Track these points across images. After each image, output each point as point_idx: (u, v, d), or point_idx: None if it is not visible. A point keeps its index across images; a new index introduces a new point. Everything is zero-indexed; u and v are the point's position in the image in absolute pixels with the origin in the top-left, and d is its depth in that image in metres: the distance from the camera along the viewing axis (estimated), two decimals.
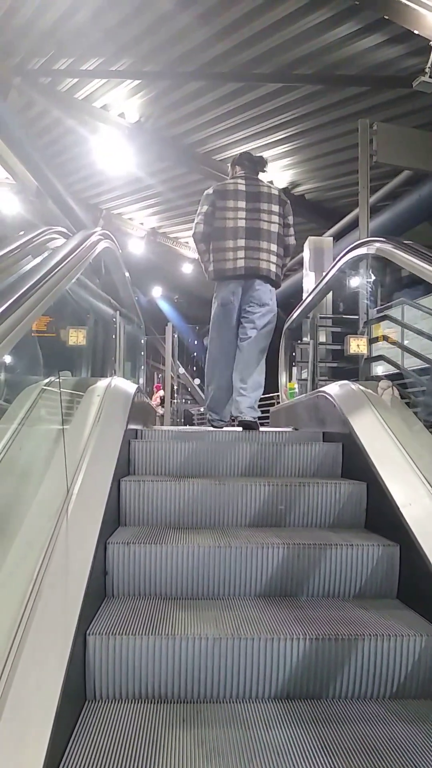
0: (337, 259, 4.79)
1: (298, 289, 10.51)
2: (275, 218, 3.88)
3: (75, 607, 1.62)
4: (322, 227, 13.66)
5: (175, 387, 17.44)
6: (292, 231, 4.04)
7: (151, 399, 17.58)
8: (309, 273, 6.84)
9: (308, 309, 5.87)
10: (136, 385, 3.90)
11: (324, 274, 6.47)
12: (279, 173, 13.44)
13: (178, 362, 26.81)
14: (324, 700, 1.84)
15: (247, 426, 3.98)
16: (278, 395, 6.14)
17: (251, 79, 9.77)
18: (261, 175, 4.39)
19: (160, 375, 18.41)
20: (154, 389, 17.59)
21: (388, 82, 9.20)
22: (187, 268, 21.87)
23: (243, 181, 3.94)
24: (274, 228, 3.87)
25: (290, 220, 4.04)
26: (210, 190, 4.02)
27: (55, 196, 13.61)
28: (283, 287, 4.84)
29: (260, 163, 4.17)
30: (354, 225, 12.58)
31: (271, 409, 5.69)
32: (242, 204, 3.79)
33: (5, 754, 1.16)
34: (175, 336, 18.50)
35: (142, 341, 6.52)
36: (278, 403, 5.97)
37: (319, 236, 14.25)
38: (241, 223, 3.74)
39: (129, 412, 3.33)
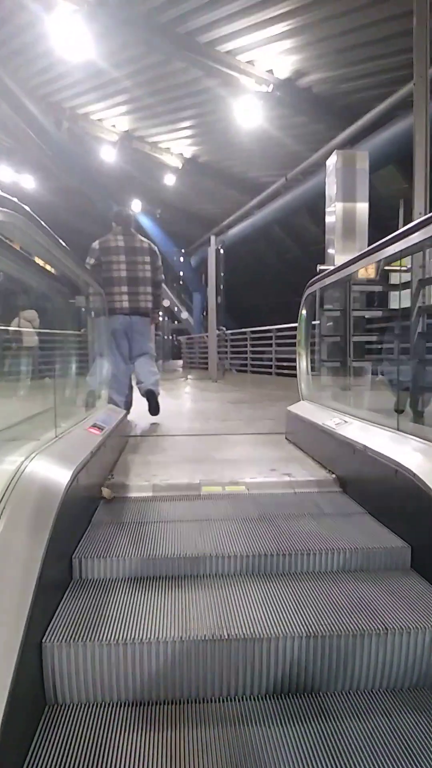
0: None
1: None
2: (148, 267, 4.77)
3: None
4: (331, 129, 11.28)
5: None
6: (160, 272, 4.94)
7: None
8: (335, 204, 4.80)
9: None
10: (73, 466, 2.08)
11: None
12: (278, 59, 10.82)
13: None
14: None
15: (150, 394, 4.86)
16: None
17: None
18: None
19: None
20: None
21: None
22: (170, 179, 19.19)
23: (122, 237, 4.72)
24: (148, 274, 4.77)
25: (158, 263, 4.91)
26: (96, 245, 4.77)
27: (2, 91, 10.99)
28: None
29: (133, 221, 4.91)
30: (377, 126, 10.28)
31: (290, 409, 3.94)
32: (123, 258, 4.67)
33: None
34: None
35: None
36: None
37: (329, 140, 11.89)
38: (123, 273, 4.66)
39: (50, 536, 1.59)
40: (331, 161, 4.91)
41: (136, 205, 23.93)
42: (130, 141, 16.70)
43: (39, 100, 14.35)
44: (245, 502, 2.53)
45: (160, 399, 4.94)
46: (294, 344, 12.44)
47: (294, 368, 12.64)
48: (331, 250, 4.78)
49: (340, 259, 4.64)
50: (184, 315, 26.93)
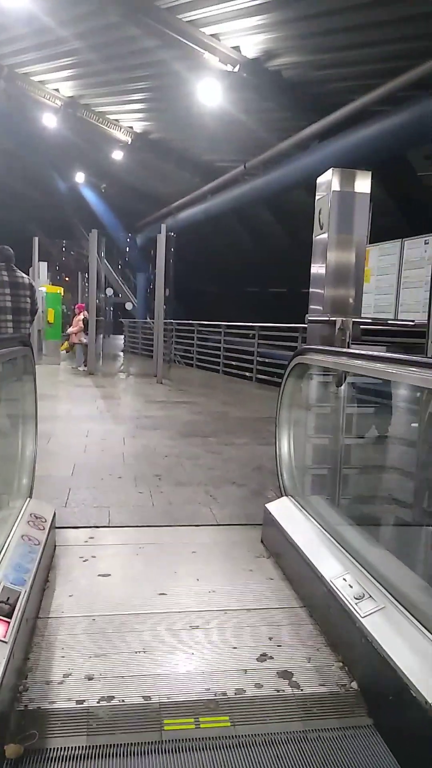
0: None
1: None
2: (27, 300, 5.29)
3: None
4: (301, 119, 10.29)
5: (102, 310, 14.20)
6: (35, 303, 5.45)
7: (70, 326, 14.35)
8: (321, 234, 3.89)
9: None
10: None
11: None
12: (246, 36, 9.69)
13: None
14: None
15: None
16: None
17: None
18: None
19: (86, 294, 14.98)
20: (76, 310, 14.23)
21: None
22: (117, 154, 17.71)
23: (6, 273, 5.18)
24: (27, 305, 5.30)
25: (35, 297, 5.46)
26: None
27: None
28: None
29: (12, 257, 5.29)
30: (351, 122, 9.29)
31: (269, 508, 3.05)
32: (8, 290, 5.15)
33: None
34: (103, 242, 15.00)
35: None
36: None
37: (297, 130, 10.79)
38: (8, 304, 5.16)
39: None
40: (325, 179, 3.96)
41: (79, 177, 22.24)
42: (74, 108, 15.13)
43: None
44: (232, 756, 1.63)
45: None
46: (244, 351, 11.60)
47: (244, 371, 11.92)
48: (318, 290, 3.87)
49: (333, 305, 3.74)
50: (129, 305, 25.53)
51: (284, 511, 3.00)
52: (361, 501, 3.45)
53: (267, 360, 11.07)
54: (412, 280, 9.05)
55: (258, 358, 11.38)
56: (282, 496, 3.18)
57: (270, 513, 3.05)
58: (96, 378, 11.31)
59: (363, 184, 3.95)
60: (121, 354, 19.29)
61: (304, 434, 3.27)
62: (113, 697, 1.82)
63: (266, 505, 3.14)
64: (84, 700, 1.80)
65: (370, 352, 2.12)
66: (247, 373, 11.78)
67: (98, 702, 1.79)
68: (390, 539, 3.25)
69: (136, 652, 2.07)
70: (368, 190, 3.94)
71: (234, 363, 12.56)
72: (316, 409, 3.27)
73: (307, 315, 3.73)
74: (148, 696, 1.83)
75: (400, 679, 1.66)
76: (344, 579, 2.18)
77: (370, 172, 3.96)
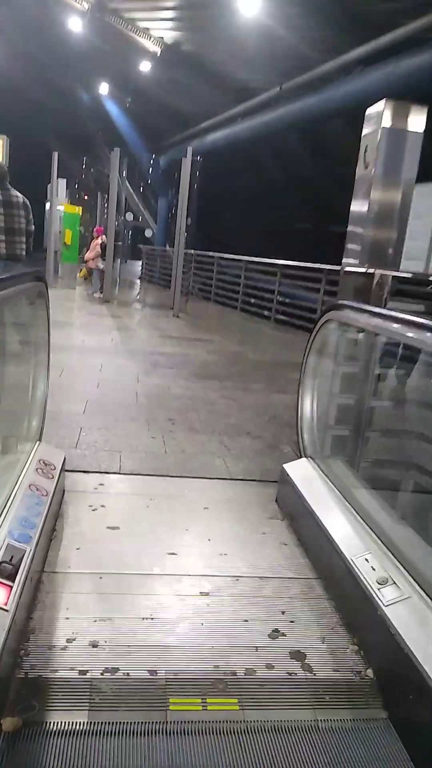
0: None
1: None
2: (22, 219, 5.20)
3: None
4: (347, 40, 9.41)
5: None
6: (31, 223, 5.33)
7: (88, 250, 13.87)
8: (365, 172, 3.49)
9: None
10: None
11: None
12: None
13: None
14: None
15: None
16: None
17: None
18: None
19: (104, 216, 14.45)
20: (95, 233, 13.75)
21: None
22: (145, 66, 16.66)
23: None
24: (22, 226, 5.21)
25: (30, 216, 5.31)
26: None
27: None
28: None
29: (7, 176, 5.15)
30: (403, 47, 8.31)
31: (286, 468, 2.92)
32: (0, 210, 5.04)
33: None
34: (125, 162, 14.29)
35: None
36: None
37: (347, 59, 9.85)
38: (1, 224, 5.06)
39: None
40: (375, 111, 3.57)
41: (103, 89, 21.09)
42: (102, 12, 14.09)
43: None
44: (240, 743, 1.56)
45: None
46: (266, 285, 11.24)
47: (263, 309, 11.61)
48: (357, 230, 3.56)
49: (373, 250, 3.45)
50: (148, 232, 24.70)
51: (303, 474, 2.87)
52: (383, 466, 3.30)
53: (288, 300, 10.73)
54: None
55: (278, 298, 11.04)
56: (301, 456, 3.04)
57: (288, 475, 2.92)
58: (111, 307, 11.07)
59: (418, 121, 3.55)
60: (138, 282, 18.88)
61: (329, 394, 3.08)
62: (118, 669, 1.74)
63: (284, 466, 3.01)
64: (87, 671, 1.72)
65: (424, 321, 1.89)
66: (266, 312, 11.47)
67: (102, 674, 1.72)
68: (412, 508, 3.13)
69: (143, 618, 1.99)
70: (422, 129, 3.56)
71: (253, 300, 12.22)
72: (344, 368, 3.07)
73: (342, 262, 3.45)
74: (154, 670, 1.76)
75: (423, 678, 1.55)
76: (366, 559, 2.05)
77: (426, 107, 3.55)
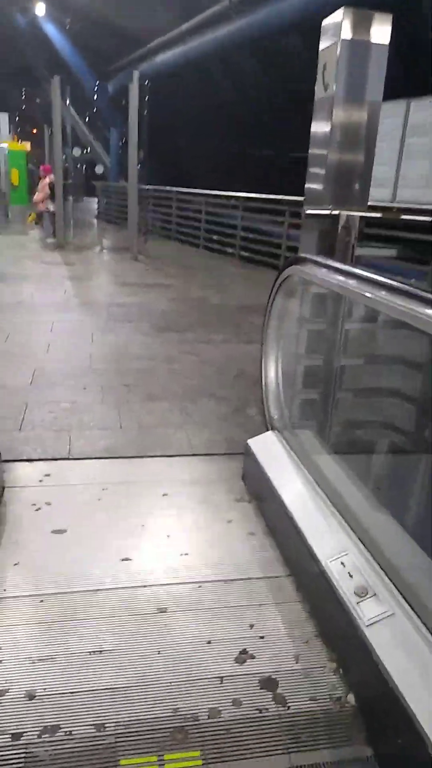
0: None
1: None
2: None
3: None
4: None
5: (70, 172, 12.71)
6: None
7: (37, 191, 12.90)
8: (325, 94, 3.04)
9: None
10: None
11: None
12: None
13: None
14: None
15: None
16: None
17: None
18: None
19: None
20: (41, 172, 12.77)
21: None
22: None
23: None
24: None
25: None
26: None
27: None
28: None
29: None
30: None
31: (250, 444, 2.64)
32: None
33: None
34: (67, 90, 13.10)
35: None
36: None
37: None
38: None
39: None
40: (332, 21, 3.06)
41: (39, 9, 19.27)
42: None
43: None
44: None
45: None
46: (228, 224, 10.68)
47: (227, 246, 11.06)
48: (320, 152, 3.13)
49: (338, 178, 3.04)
50: (99, 168, 23.31)
51: (269, 451, 2.58)
52: (356, 427, 3.04)
53: (251, 236, 10.21)
54: (418, 149, 8.00)
55: (242, 233, 10.50)
56: (267, 430, 2.75)
57: (252, 452, 2.63)
58: (65, 253, 10.40)
59: (382, 31, 3.06)
60: (95, 222, 17.91)
61: (295, 356, 2.77)
62: (59, 727, 1.48)
63: (248, 441, 2.72)
64: (22, 734, 1.46)
65: (409, 288, 1.55)
66: (230, 249, 10.94)
67: (40, 736, 1.46)
68: (387, 469, 2.92)
69: (90, 653, 1.72)
70: (387, 41, 3.08)
71: (215, 237, 11.64)
72: (310, 326, 2.74)
73: (306, 192, 3.04)
74: (101, 724, 1.50)
75: (411, 721, 1.33)
76: (342, 563, 1.80)
77: (390, 15, 3.07)
